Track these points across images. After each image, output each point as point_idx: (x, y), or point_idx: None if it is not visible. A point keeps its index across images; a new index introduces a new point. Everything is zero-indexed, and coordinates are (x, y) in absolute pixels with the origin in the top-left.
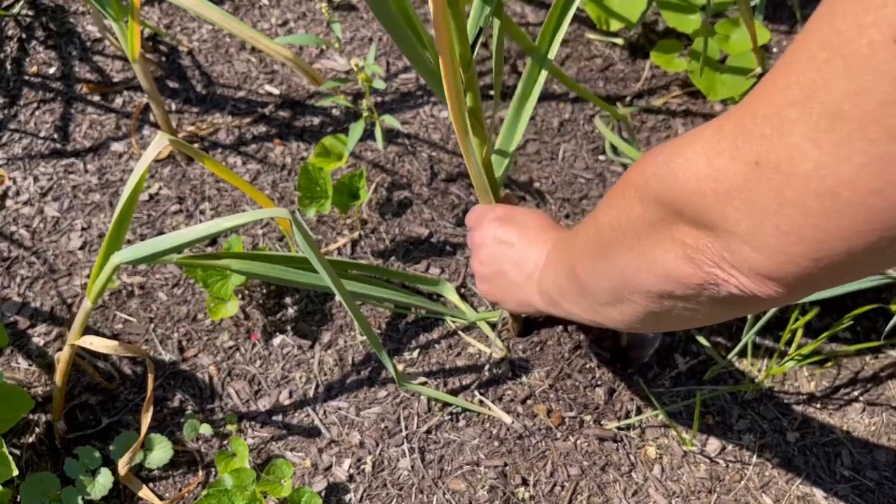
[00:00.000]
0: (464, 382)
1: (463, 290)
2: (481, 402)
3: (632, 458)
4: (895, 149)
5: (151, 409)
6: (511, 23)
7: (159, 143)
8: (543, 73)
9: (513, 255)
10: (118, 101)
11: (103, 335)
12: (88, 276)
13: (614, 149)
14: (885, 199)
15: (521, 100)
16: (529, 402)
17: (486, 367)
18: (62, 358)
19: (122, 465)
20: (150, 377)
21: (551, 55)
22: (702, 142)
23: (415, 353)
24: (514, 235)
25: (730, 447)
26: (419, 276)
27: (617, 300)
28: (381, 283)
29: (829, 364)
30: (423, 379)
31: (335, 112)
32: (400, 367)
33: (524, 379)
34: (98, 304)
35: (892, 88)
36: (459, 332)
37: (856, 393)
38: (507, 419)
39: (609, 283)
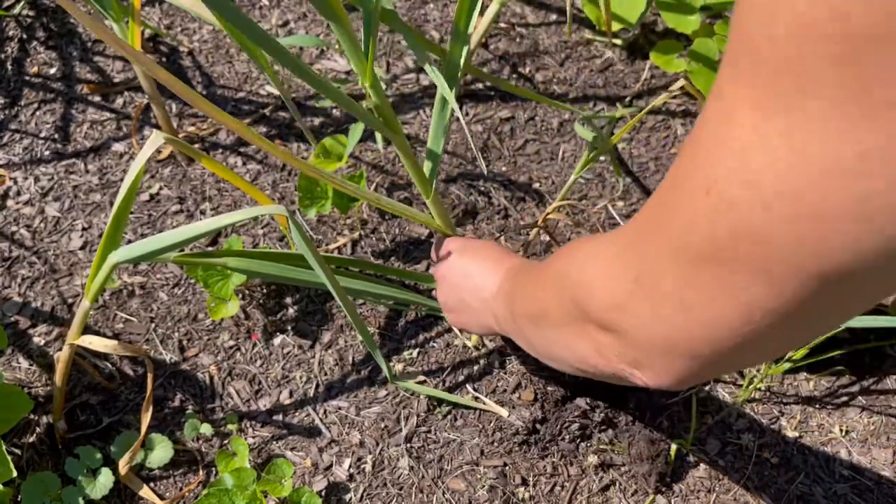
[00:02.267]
0: (461, 379)
1: None
2: (476, 398)
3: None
4: (728, 276)
5: (151, 408)
6: (407, 28)
7: (155, 142)
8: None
9: (470, 284)
10: (119, 101)
11: (104, 335)
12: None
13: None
14: (732, 314)
15: (441, 101)
16: (518, 391)
17: (480, 360)
18: (62, 357)
19: (123, 465)
20: (150, 376)
21: (461, 62)
22: (603, 256)
23: (414, 353)
24: (471, 265)
25: (729, 447)
26: (417, 273)
27: (550, 358)
28: (380, 280)
29: (827, 372)
30: (422, 377)
31: (335, 113)
32: (399, 366)
33: (513, 367)
34: (98, 303)
35: (708, 232)
36: (456, 330)
37: (855, 393)
38: (504, 412)
39: (543, 346)
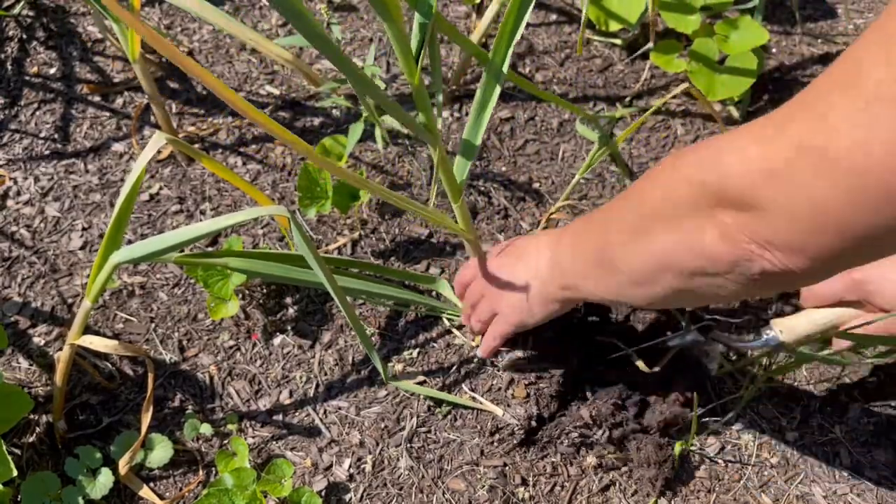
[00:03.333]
0: (459, 379)
1: None
2: (473, 397)
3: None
4: None
5: (152, 408)
6: (454, 31)
7: (157, 143)
8: (496, 90)
9: (517, 270)
10: (119, 101)
11: (104, 335)
12: (89, 276)
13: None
14: None
15: (479, 108)
16: (511, 387)
17: (475, 359)
18: (62, 357)
19: (123, 465)
20: (151, 376)
21: (505, 67)
22: (751, 130)
23: (414, 353)
24: (513, 256)
25: (729, 447)
26: (417, 274)
27: (646, 279)
28: (380, 280)
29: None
30: (421, 378)
31: (335, 113)
32: (399, 366)
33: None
34: (98, 303)
35: None
36: (454, 330)
37: (855, 392)
38: (499, 411)
39: (642, 262)
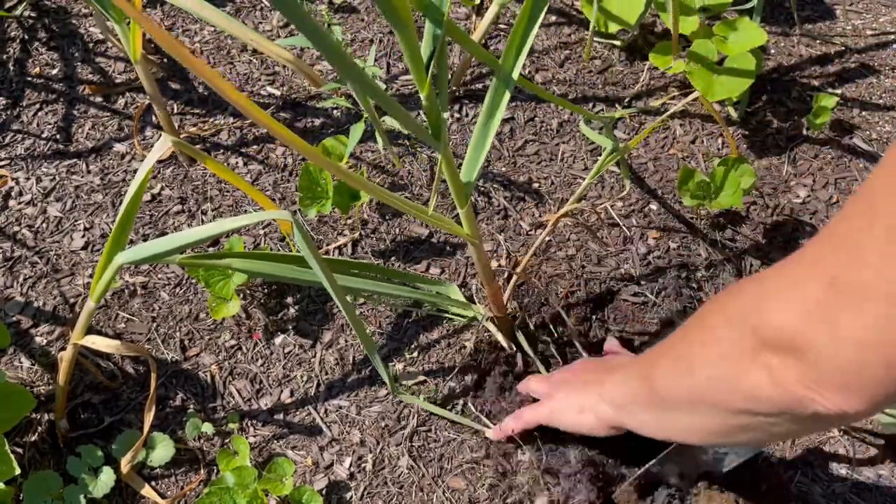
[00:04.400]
0: (462, 381)
1: (462, 290)
2: (477, 418)
3: None
4: None
5: (154, 407)
6: (467, 39)
7: (163, 145)
8: (506, 95)
9: (580, 382)
10: (120, 102)
11: (106, 335)
12: (91, 276)
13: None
14: None
15: (487, 114)
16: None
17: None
18: (65, 357)
19: (125, 464)
20: (153, 376)
21: (515, 73)
22: (785, 274)
23: (415, 353)
24: (602, 372)
25: None
26: (422, 276)
27: (693, 411)
28: (381, 279)
29: None
30: (422, 378)
31: (336, 113)
32: (399, 366)
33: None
34: (101, 303)
35: None
36: (458, 331)
37: None
38: (491, 435)
39: (688, 395)
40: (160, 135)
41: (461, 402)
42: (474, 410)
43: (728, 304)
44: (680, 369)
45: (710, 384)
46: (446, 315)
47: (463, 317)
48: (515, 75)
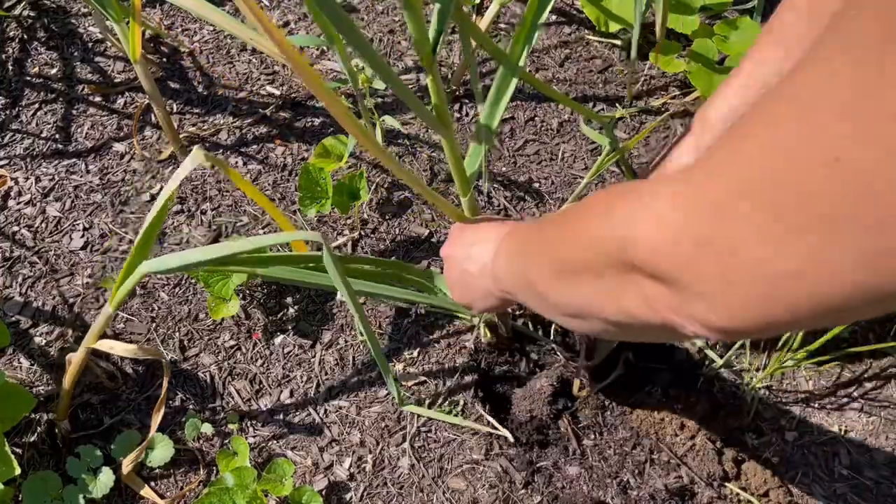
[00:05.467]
0: (462, 381)
1: None
2: (484, 418)
3: (629, 458)
4: (838, 252)
5: (163, 409)
6: (476, 28)
7: (195, 159)
8: (512, 84)
9: (472, 252)
10: (120, 101)
11: (105, 335)
12: (90, 276)
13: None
14: (829, 290)
15: (492, 104)
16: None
17: (481, 360)
18: (75, 360)
19: (127, 464)
20: (165, 379)
21: (522, 62)
22: (658, 206)
23: (415, 353)
24: (470, 236)
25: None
26: (419, 270)
27: (577, 315)
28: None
29: (829, 364)
30: (422, 378)
31: None
32: (399, 366)
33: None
34: (98, 303)
35: (829, 207)
36: (458, 331)
37: (854, 392)
38: (511, 437)
39: (571, 303)
40: (159, 134)
41: (461, 401)
42: (480, 410)
43: (612, 212)
44: (560, 280)
45: (589, 300)
46: (450, 314)
47: (465, 316)
48: (523, 61)
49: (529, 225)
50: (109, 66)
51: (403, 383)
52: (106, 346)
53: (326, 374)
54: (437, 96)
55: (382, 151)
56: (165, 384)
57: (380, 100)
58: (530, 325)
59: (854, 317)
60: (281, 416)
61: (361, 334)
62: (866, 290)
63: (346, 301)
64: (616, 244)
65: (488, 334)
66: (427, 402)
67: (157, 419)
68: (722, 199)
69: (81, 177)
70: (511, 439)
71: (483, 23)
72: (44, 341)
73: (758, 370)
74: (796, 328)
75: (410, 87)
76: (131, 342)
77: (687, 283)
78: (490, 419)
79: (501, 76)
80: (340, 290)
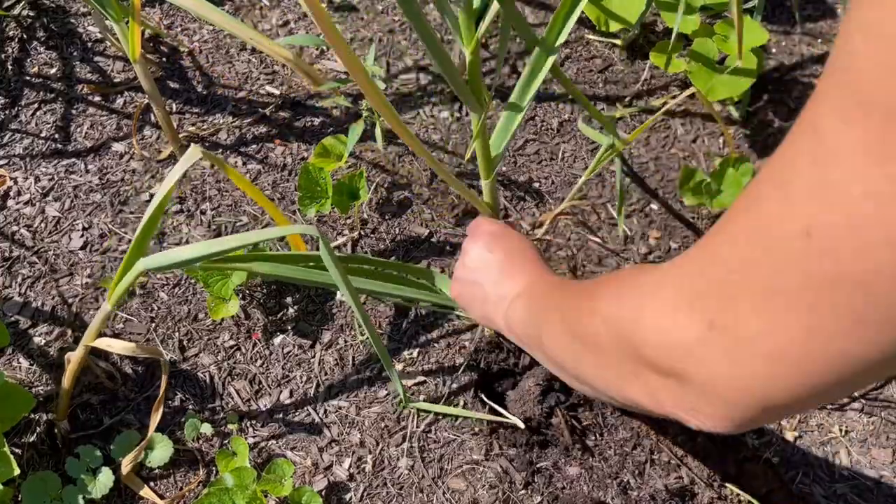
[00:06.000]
0: (463, 380)
1: None
2: (482, 400)
3: (629, 459)
4: (822, 322)
5: (161, 409)
6: (515, 11)
7: (192, 157)
8: (549, 61)
9: (493, 275)
10: (119, 101)
11: (104, 335)
12: (90, 276)
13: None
14: (821, 361)
15: (523, 87)
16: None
17: (480, 358)
18: (74, 359)
19: (126, 464)
20: (164, 378)
21: (559, 41)
22: (663, 298)
23: (414, 353)
24: (499, 254)
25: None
26: (419, 268)
27: (581, 384)
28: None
29: None
30: (422, 378)
31: (335, 112)
32: (399, 366)
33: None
34: (98, 303)
35: (805, 277)
36: (458, 330)
37: (855, 393)
38: (521, 425)
39: (575, 374)
40: (158, 133)
41: (462, 402)
42: (481, 407)
43: (607, 308)
44: (567, 354)
45: (594, 378)
46: (449, 311)
47: (465, 315)
48: (562, 39)
49: (553, 282)
50: (109, 65)
51: (404, 383)
52: (104, 343)
53: (326, 374)
54: (474, 77)
55: (409, 134)
56: (164, 383)
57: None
58: None
59: (849, 389)
60: (280, 417)
61: (363, 333)
62: (851, 358)
63: (345, 299)
64: (622, 333)
65: (489, 329)
66: (428, 401)
67: (155, 419)
68: (722, 280)
69: (81, 176)
70: (522, 426)
71: (483, 23)
72: (43, 341)
73: None
74: (796, 408)
75: (410, 86)
76: (131, 342)
77: (692, 374)
78: (496, 407)
79: (536, 57)
80: (339, 285)
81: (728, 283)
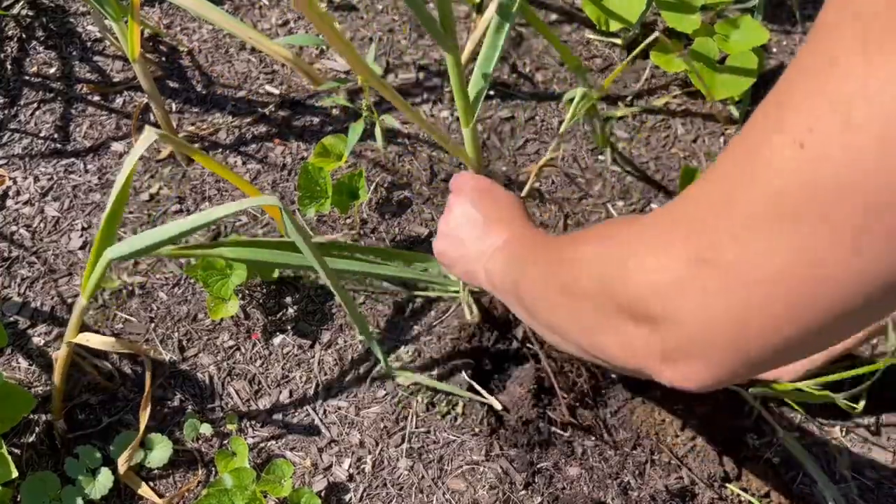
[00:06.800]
0: (456, 373)
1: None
2: (470, 386)
3: (629, 459)
4: (816, 241)
5: (150, 406)
6: None
7: (148, 139)
8: None
9: (477, 231)
10: (118, 101)
11: (104, 335)
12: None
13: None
14: (811, 285)
15: (497, 23)
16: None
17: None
18: (60, 356)
19: (122, 463)
20: (148, 374)
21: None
22: (649, 239)
23: (410, 349)
24: (484, 210)
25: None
26: (413, 254)
27: (554, 334)
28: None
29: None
30: (417, 372)
31: (335, 112)
32: (396, 364)
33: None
34: (98, 303)
35: (797, 190)
36: (455, 327)
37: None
38: (497, 405)
39: (549, 323)
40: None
41: (454, 380)
42: (467, 379)
43: (589, 255)
44: (543, 302)
45: (567, 327)
46: (434, 294)
47: (452, 292)
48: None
49: (536, 235)
50: (108, 65)
51: (402, 383)
52: (83, 339)
53: (325, 374)
54: (444, 9)
55: (379, 81)
56: (149, 378)
57: (379, 98)
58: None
59: (838, 329)
60: (280, 417)
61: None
62: (846, 283)
63: (321, 276)
64: (602, 280)
65: (475, 312)
66: (426, 400)
67: (144, 417)
68: (707, 217)
69: (80, 176)
70: (498, 406)
71: (482, 22)
72: (42, 342)
73: None
74: (781, 351)
75: (409, 86)
76: (130, 342)
77: (669, 316)
78: (476, 386)
79: (497, 23)
80: (309, 260)
81: (714, 217)
